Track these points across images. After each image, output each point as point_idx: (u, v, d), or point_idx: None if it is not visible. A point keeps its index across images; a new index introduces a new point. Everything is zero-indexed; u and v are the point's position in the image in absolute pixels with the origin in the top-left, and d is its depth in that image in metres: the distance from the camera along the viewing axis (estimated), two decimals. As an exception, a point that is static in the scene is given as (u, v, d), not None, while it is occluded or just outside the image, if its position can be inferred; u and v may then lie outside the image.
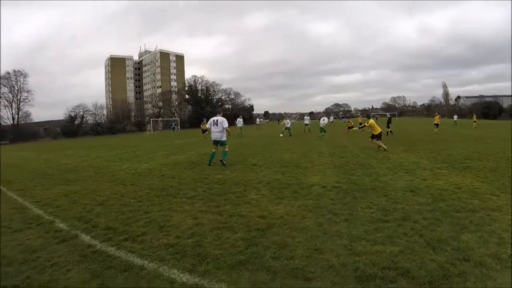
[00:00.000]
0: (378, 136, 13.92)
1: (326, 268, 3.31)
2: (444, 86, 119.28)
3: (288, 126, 27.82)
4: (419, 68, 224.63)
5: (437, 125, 26.67)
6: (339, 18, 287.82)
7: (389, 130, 23.12)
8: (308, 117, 35.33)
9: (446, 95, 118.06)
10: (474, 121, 38.27)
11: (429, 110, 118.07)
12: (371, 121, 14.74)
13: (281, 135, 26.67)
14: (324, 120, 25.20)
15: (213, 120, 11.01)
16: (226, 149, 11.21)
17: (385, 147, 13.48)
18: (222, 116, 11.22)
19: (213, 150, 11.22)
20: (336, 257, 3.52)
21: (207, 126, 11.48)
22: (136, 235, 4.55)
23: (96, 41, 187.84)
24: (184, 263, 3.60)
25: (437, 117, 27.56)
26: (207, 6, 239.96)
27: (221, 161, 10.84)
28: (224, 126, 10.83)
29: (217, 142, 11.07)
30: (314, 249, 3.77)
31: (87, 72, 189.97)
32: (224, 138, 11.03)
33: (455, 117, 46.90)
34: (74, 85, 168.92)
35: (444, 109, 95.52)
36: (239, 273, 3.33)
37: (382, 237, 4.03)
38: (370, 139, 13.79)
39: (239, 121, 31.68)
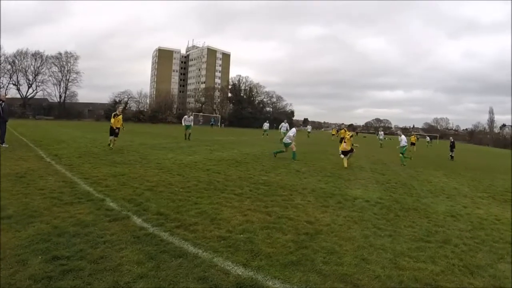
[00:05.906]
0: None
1: (373, 277, 3.48)
2: (491, 112, 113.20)
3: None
4: (463, 90, 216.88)
5: None
6: (387, 35, 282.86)
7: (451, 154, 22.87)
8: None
9: (491, 121, 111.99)
10: None
11: (472, 135, 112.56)
12: None
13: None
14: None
15: None
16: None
17: None
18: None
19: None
20: (382, 269, 3.70)
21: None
22: (188, 224, 4.77)
23: (155, 34, 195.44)
24: (238, 257, 3.75)
25: None
26: (266, 13, 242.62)
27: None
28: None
29: None
30: (361, 258, 3.96)
31: (140, 61, 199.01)
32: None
33: None
34: (125, 72, 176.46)
35: (488, 136, 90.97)
36: (292, 272, 3.48)
37: (424, 256, 4.21)
38: None
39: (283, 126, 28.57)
